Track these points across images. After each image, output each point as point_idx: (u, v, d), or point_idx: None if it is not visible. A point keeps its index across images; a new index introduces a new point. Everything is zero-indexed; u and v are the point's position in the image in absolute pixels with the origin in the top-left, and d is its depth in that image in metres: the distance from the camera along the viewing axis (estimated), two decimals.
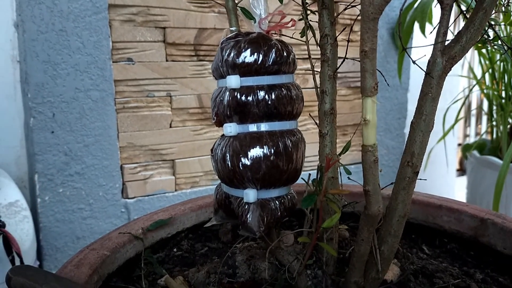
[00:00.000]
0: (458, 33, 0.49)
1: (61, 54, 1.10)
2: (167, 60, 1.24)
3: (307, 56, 0.61)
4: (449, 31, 0.50)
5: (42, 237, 1.15)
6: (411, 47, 0.60)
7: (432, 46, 0.49)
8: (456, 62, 0.49)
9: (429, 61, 0.49)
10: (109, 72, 1.16)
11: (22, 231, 1.02)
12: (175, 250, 0.71)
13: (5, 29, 1.16)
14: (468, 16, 0.49)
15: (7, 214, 1.00)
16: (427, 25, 1.40)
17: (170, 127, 1.27)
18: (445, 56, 0.48)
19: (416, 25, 1.44)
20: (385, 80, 0.59)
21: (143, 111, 1.23)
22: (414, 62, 0.46)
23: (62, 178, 1.15)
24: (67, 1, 1.09)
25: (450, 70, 0.49)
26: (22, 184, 1.23)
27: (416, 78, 1.68)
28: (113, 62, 1.17)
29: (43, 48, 1.08)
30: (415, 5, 1.44)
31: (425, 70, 0.49)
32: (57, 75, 1.10)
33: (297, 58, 0.55)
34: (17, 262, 0.93)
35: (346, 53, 0.58)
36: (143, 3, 1.18)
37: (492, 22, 0.59)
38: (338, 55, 0.57)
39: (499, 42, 0.61)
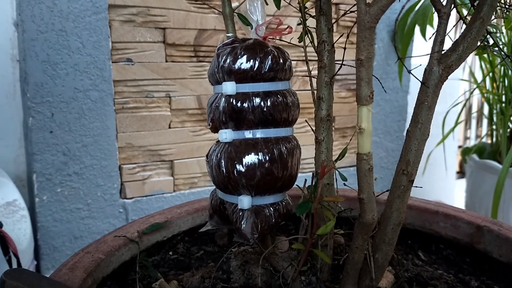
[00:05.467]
0: (455, 42, 0.48)
1: (61, 54, 1.10)
2: (166, 61, 1.24)
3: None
4: (447, 37, 0.49)
5: (39, 236, 1.15)
6: (410, 56, 0.60)
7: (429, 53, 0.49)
8: (453, 71, 0.49)
9: (425, 70, 0.49)
10: (109, 72, 1.16)
11: (20, 230, 1.02)
12: (170, 253, 0.71)
13: (5, 29, 1.16)
14: (468, 21, 0.49)
15: (5, 213, 1.00)
16: (428, 28, 1.39)
17: (169, 127, 1.27)
18: (441, 64, 0.48)
19: (417, 28, 1.43)
20: (383, 87, 0.59)
21: (142, 111, 1.23)
22: (409, 71, 0.46)
23: (61, 178, 1.15)
24: (67, 1, 1.09)
25: (447, 78, 0.49)
26: (21, 183, 1.23)
27: (416, 81, 1.67)
28: (112, 62, 1.17)
29: (43, 47, 1.08)
30: (416, 8, 1.44)
31: (421, 79, 0.49)
32: (57, 75, 1.10)
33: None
34: (14, 262, 0.93)
35: (343, 59, 0.58)
36: (143, 4, 1.18)
37: (492, 29, 0.59)
38: (336, 59, 0.56)
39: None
